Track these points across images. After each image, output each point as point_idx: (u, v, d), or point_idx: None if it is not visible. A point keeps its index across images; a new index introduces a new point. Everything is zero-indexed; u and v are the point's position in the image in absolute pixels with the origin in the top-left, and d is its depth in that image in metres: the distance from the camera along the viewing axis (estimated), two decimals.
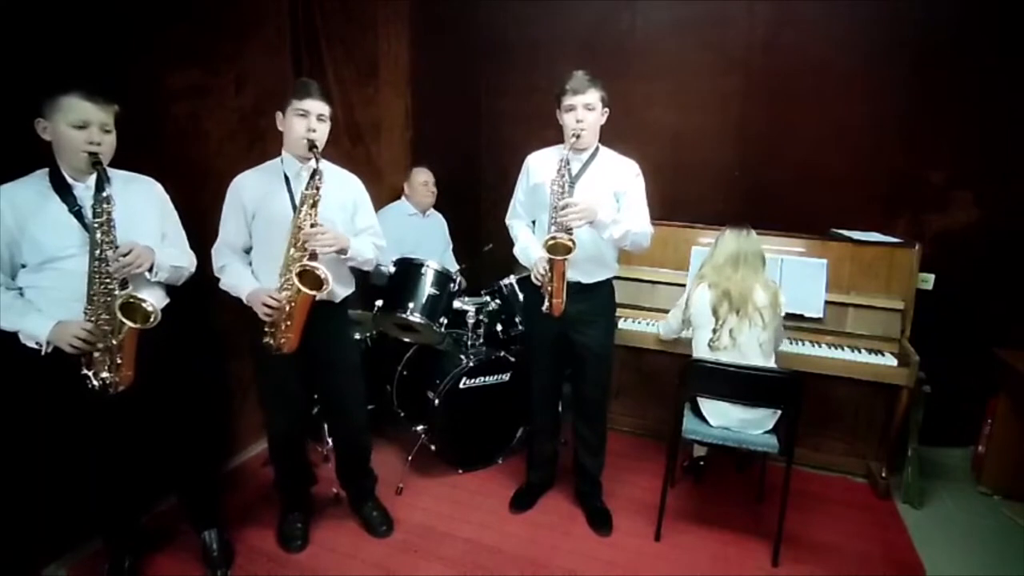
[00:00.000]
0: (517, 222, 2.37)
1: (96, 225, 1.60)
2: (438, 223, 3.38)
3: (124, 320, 1.59)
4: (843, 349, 2.67)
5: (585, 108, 2.07)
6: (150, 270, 1.73)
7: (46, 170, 1.67)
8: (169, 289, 1.90)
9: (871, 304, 2.71)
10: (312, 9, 2.83)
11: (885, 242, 2.80)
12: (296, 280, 1.84)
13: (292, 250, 1.88)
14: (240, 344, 2.17)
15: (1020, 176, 2.82)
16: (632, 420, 3.17)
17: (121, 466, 1.92)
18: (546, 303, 2.09)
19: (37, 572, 2.04)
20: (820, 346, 2.70)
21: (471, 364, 2.62)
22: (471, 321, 2.73)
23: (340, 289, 2.10)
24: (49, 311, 1.64)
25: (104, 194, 1.59)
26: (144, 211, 1.81)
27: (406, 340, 2.83)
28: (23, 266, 1.65)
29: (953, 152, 2.93)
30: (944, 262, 2.93)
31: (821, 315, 2.72)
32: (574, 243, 1.96)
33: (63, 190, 1.66)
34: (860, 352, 2.64)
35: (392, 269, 2.67)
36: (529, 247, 2.24)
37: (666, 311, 2.66)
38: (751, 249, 2.30)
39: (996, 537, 2.46)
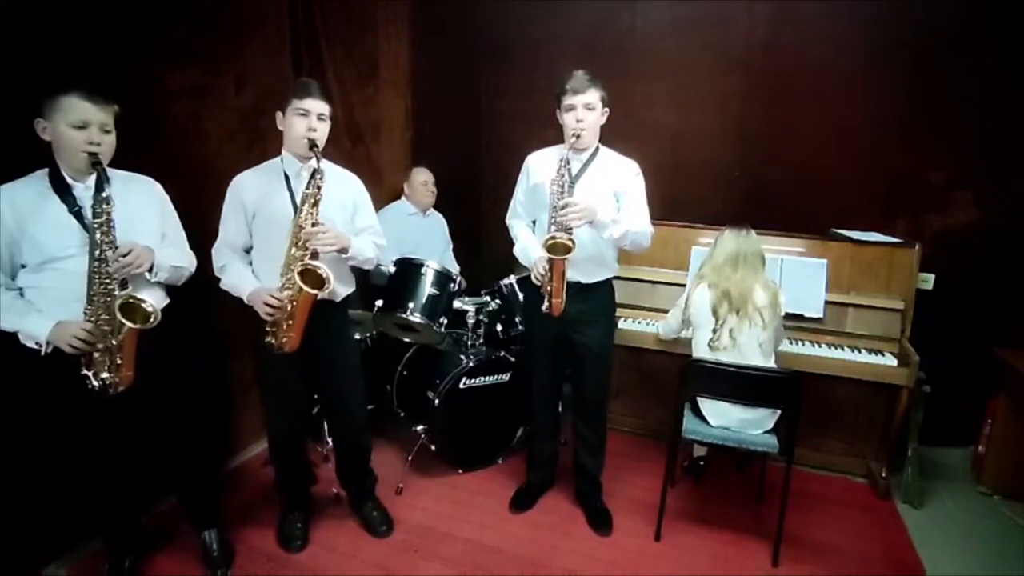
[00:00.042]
0: (517, 222, 2.37)
1: (96, 225, 1.59)
2: (438, 223, 3.38)
3: (124, 320, 1.59)
4: (843, 349, 2.67)
5: (585, 108, 2.07)
6: (150, 270, 1.73)
7: (46, 170, 1.67)
8: (169, 289, 1.90)
9: (871, 304, 2.71)
10: (312, 9, 2.83)
11: (885, 242, 2.80)
12: (298, 279, 1.84)
13: (293, 249, 1.88)
14: (240, 344, 2.17)
15: (1020, 176, 2.82)
16: (632, 420, 3.17)
17: (121, 466, 1.92)
18: (546, 303, 2.09)
19: (37, 572, 2.04)
20: (820, 346, 2.70)
21: (471, 364, 2.62)
22: (471, 321, 2.73)
23: (341, 288, 2.10)
24: (49, 311, 1.64)
25: (104, 194, 1.59)
26: (144, 211, 1.81)
27: (406, 340, 2.83)
28: (23, 266, 1.65)
29: (953, 152, 2.93)
30: (944, 262, 2.93)
31: (821, 315, 2.72)
32: (574, 243, 1.96)
33: (63, 190, 1.66)
34: (860, 352, 2.64)
35: (392, 269, 2.67)
36: (529, 247, 2.24)
37: (666, 311, 2.66)
38: (750, 249, 2.30)
39: (996, 537, 2.46)
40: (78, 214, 1.65)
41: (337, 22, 2.96)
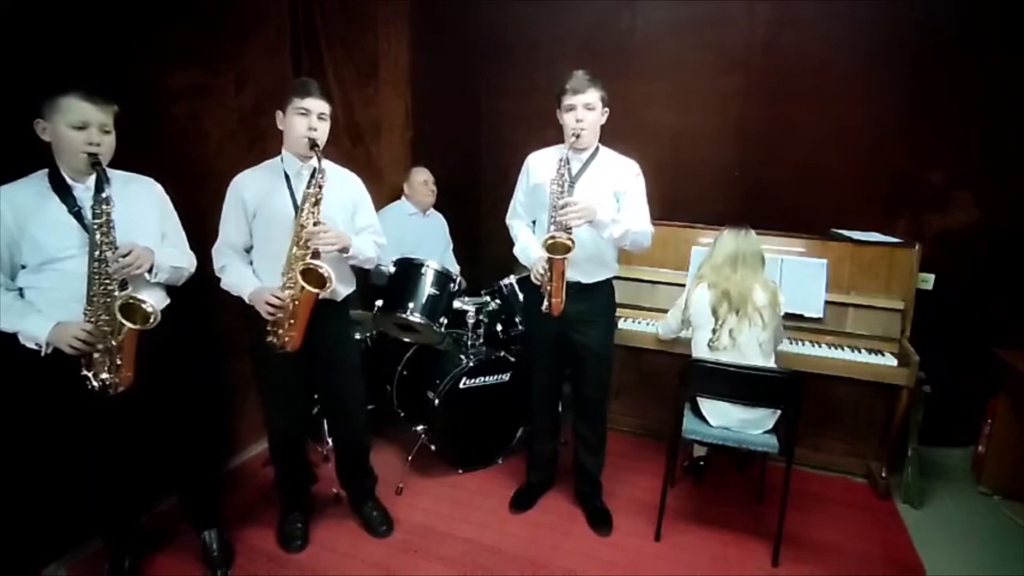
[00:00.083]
0: (517, 222, 2.37)
1: (96, 226, 1.59)
2: (438, 223, 3.37)
3: (124, 321, 1.59)
4: (843, 349, 2.67)
5: (585, 108, 2.07)
6: (150, 271, 1.73)
7: (46, 171, 1.67)
8: (169, 289, 1.90)
9: (871, 304, 2.71)
10: (312, 9, 2.83)
11: (885, 242, 2.80)
12: (300, 278, 1.84)
13: (295, 248, 1.88)
14: (240, 344, 2.17)
15: (1020, 176, 2.82)
16: (632, 420, 3.17)
17: (121, 466, 1.92)
18: (545, 303, 2.09)
19: (37, 572, 2.04)
20: (820, 346, 2.70)
21: (471, 364, 2.62)
22: (471, 321, 2.73)
23: (342, 288, 2.10)
24: (49, 312, 1.64)
25: (103, 195, 1.59)
26: (144, 212, 1.81)
27: (406, 340, 2.83)
28: (23, 267, 1.65)
29: (953, 152, 2.93)
30: (944, 262, 2.93)
31: (821, 315, 2.72)
32: (573, 242, 1.96)
33: (63, 191, 1.66)
34: (860, 352, 2.64)
35: (392, 269, 2.67)
36: (529, 247, 2.24)
37: (666, 311, 2.66)
38: (749, 249, 2.30)
39: (996, 537, 2.46)
40: (78, 214, 1.65)
41: (337, 22, 2.96)
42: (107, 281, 1.62)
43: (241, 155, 2.42)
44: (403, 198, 3.26)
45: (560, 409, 2.58)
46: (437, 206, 3.33)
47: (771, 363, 2.29)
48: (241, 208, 1.97)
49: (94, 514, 2.01)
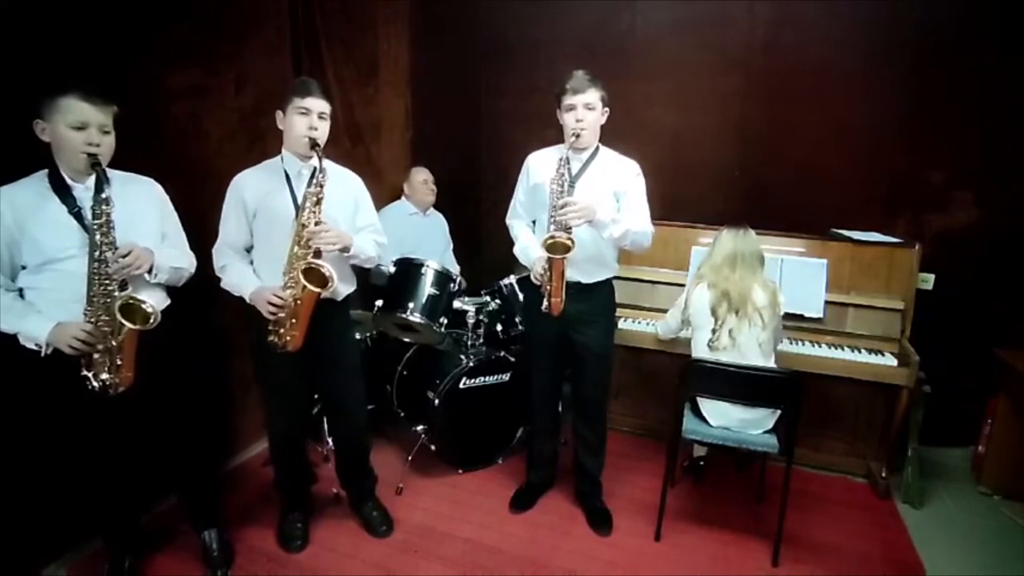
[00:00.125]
0: (517, 222, 2.37)
1: (95, 226, 1.59)
2: (439, 223, 3.37)
3: (124, 322, 1.59)
4: (843, 349, 2.67)
5: (585, 108, 2.07)
6: (149, 271, 1.73)
7: (45, 171, 1.67)
8: (170, 290, 1.90)
9: (871, 304, 2.71)
10: (312, 9, 2.83)
11: (885, 242, 2.80)
12: (302, 278, 1.84)
13: (296, 248, 1.88)
14: (240, 344, 2.17)
15: (1020, 176, 2.82)
16: (632, 420, 3.17)
17: (121, 466, 1.92)
18: (545, 302, 2.09)
19: (37, 572, 2.04)
20: (820, 346, 2.70)
21: (471, 364, 2.62)
22: (471, 321, 2.73)
23: (343, 287, 2.10)
24: (49, 312, 1.64)
25: (103, 195, 1.59)
26: (144, 212, 1.81)
27: (406, 340, 2.83)
28: (23, 267, 1.65)
29: (953, 152, 2.93)
30: (944, 262, 2.93)
31: (821, 315, 2.72)
32: (573, 242, 1.96)
33: (62, 191, 1.66)
34: (860, 352, 2.64)
35: (392, 269, 2.67)
36: (529, 247, 2.24)
37: (666, 311, 2.66)
38: (748, 249, 2.30)
39: (996, 537, 2.46)
40: (78, 215, 1.65)
41: (337, 22, 2.96)
42: (107, 281, 1.62)
43: (241, 155, 2.42)
44: (403, 198, 3.26)
45: (560, 409, 2.58)
46: (437, 206, 3.33)
47: (771, 363, 2.29)
48: (241, 208, 1.97)
49: (94, 514, 2.01)
